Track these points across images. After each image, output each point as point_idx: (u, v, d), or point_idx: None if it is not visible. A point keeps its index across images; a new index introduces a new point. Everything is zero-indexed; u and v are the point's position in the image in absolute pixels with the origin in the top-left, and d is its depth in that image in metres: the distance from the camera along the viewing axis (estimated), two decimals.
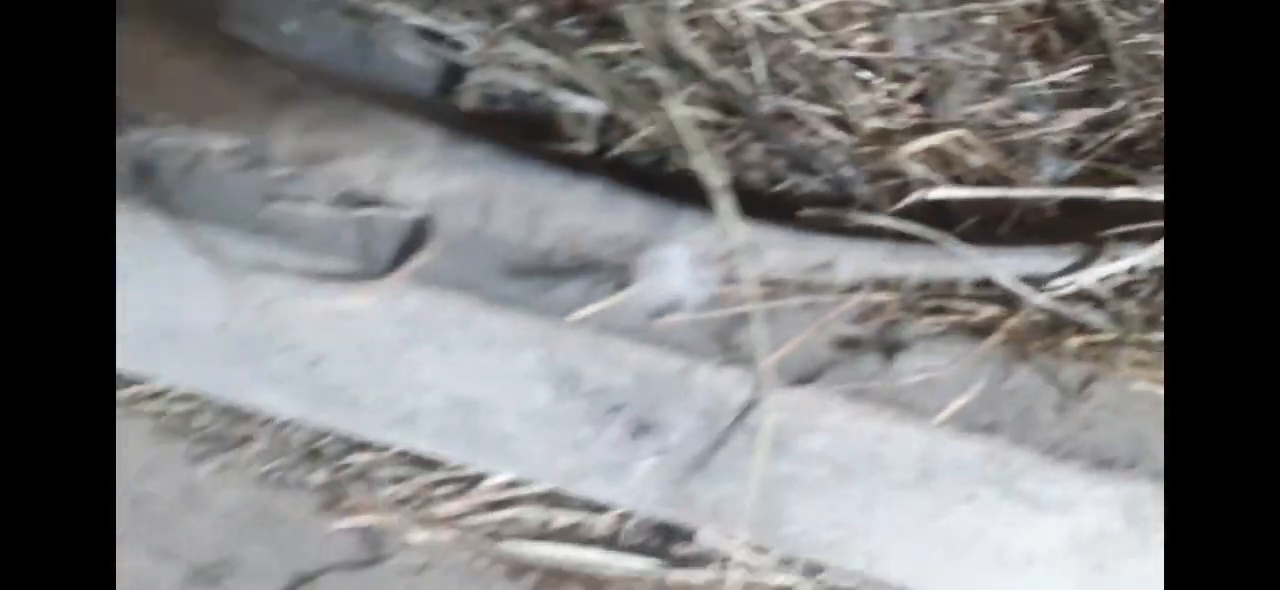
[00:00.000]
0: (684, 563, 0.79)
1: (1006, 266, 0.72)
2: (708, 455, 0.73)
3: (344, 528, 0.79)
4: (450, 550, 0.78)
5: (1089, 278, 0.74)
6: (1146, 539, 0.68)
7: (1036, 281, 0.73)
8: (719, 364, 0.69)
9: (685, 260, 0.66)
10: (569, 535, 0.80)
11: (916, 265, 0.71)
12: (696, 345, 0.69)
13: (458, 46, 0.79)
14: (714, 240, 0.69)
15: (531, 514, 0.80)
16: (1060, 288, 0.73)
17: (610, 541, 0.79)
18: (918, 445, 0.68)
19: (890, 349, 0.71)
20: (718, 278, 0.68)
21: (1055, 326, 0.73)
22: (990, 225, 0.76)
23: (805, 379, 0.68)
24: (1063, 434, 0.68)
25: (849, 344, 0.71)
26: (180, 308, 0.76)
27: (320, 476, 0.81)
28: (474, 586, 0.77)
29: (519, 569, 0.78)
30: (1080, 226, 0.76)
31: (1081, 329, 0.72)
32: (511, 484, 0.81)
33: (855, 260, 0.70)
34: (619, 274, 0.69)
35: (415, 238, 0.72)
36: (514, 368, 0.72)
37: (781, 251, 0.69)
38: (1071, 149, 0.81)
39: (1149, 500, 0.67)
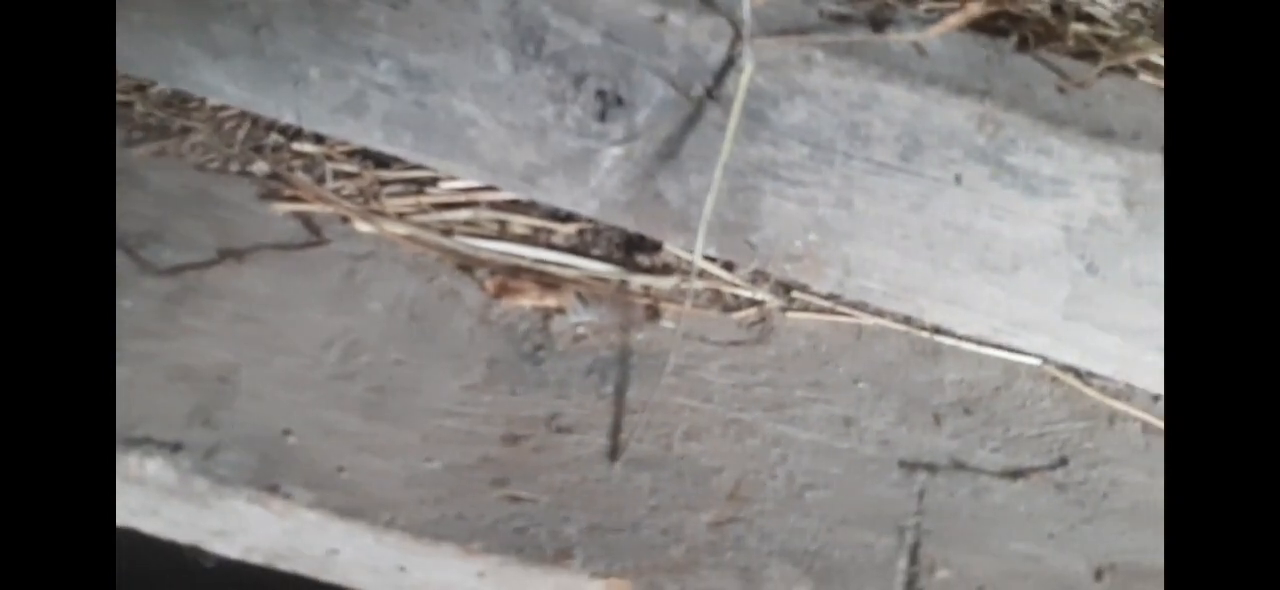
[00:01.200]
0: (649, 271, 0.73)
1: None
2: (678, 139, 0.68)
3: (284, 212, 0.73)
4: (397, 242, 0.72)
5: None
6: (1145, 227, 0.63)
7: None
8: (695, 12, 0.63)
9: None
10: (528, 240, 0.74)
11: None
12: None
13: None
14: None
15: (488, 216, 0.74)
16: None
17: (571, 249, 0.74)
18: (904, 111, 0.63)
19: (880, 25, 0.66)
20: None
21: (1057, 7, 0.68)
22: None
23: (787, 33, 0.63)
24: (1061, 107, 0.63)
25: (838, 19, 0.66)
26: None
27: (263, 167, 0.76)
28: (419, 276, 0.71)
29: (469, 263, 0.72)
30: None
31: (1085, 19, 0.67)
32: (468, 190, 0.75)
33: None
34: None
35: None
36: (471, 25, 0.67)
37: None
38: None
39: (1150, 176, 0.62)
